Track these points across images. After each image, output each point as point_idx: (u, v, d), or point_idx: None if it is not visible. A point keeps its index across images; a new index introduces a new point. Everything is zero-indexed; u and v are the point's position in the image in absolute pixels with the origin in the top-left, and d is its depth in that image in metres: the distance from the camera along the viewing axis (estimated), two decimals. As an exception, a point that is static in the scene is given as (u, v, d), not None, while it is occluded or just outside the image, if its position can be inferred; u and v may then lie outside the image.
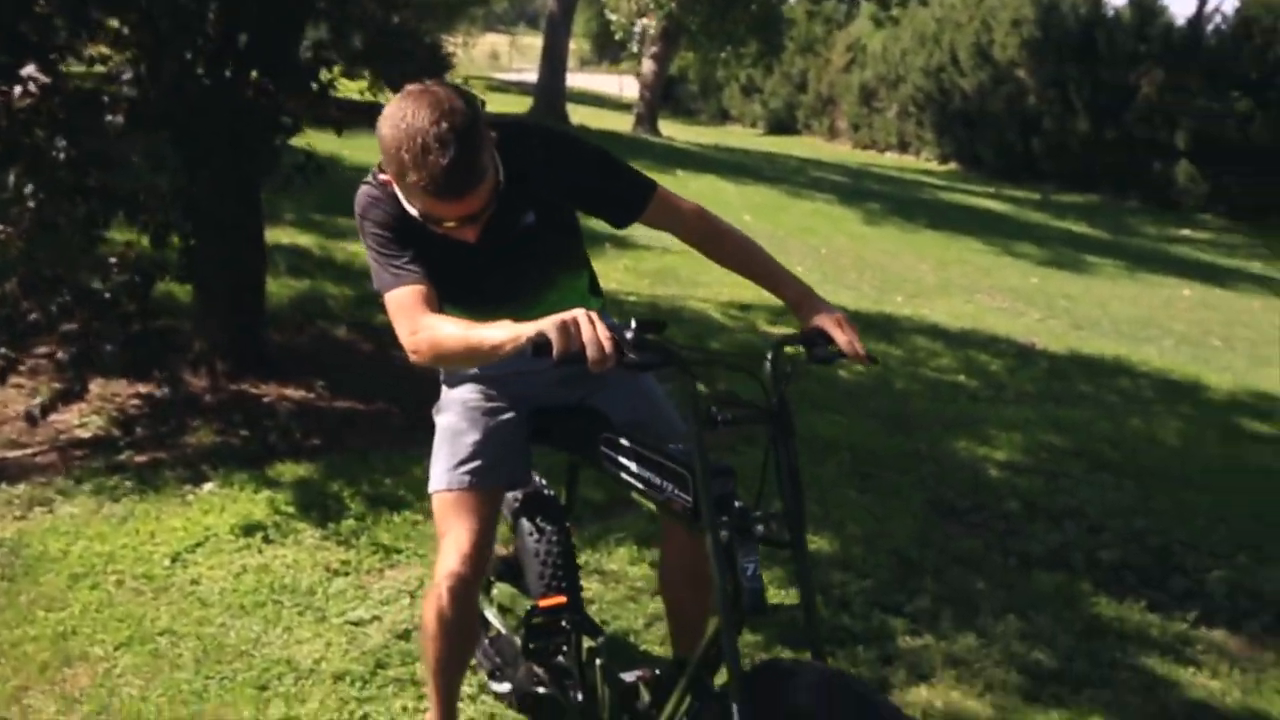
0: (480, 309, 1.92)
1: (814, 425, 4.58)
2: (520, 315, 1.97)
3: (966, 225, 12.93)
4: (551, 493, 2.36)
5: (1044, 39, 19.46)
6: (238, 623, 2.67)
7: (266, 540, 3.09)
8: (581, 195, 2.01)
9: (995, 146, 19.90)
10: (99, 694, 2.36)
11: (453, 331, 1.79)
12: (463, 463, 2.05)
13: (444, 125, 1.68)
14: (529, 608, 2.20)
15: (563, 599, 2.19)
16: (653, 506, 1.91)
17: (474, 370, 2.12)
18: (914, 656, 2.80)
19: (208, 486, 3.42)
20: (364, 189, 1.96)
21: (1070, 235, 13.60)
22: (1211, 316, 9.22)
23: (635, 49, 21.76)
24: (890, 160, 22.12)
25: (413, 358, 1.85)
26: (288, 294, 5.73)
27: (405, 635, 2.65)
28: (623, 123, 19.83)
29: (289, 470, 3.57)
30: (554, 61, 17.57)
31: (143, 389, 4.22)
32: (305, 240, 7.06)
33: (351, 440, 3.97)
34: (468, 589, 1.99)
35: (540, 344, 1.62)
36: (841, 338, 1.85)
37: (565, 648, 2.16)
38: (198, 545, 3.04)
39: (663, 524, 2.22)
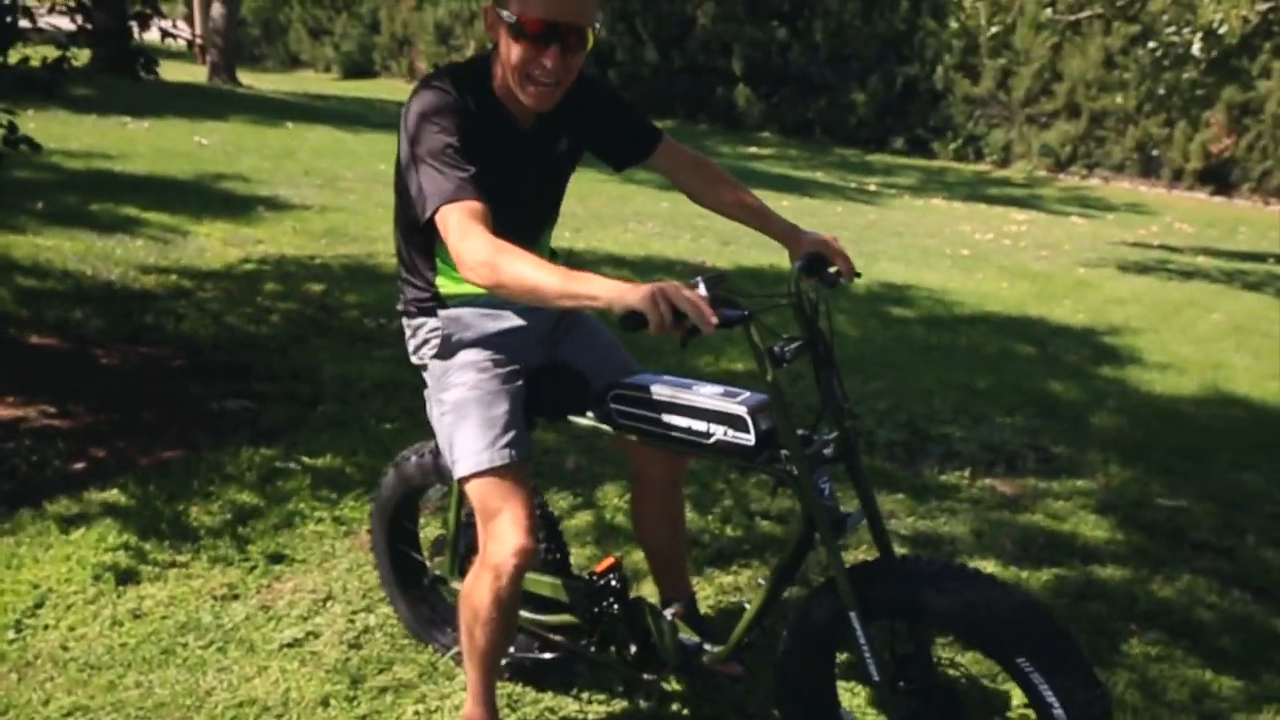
0: (500, 233, 1.87)
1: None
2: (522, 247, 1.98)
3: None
4: None
5: (606, -26, 20.48)
6: (155, 677, 2.33)
7: (121, 582, 2.68)
8: (602, 132, 2.08)
9: (576, 79, 20.75)
10: (46, 797, 1.98)
11: (544, 277, 1.71)
12: (498, 437, 1.98)
13: None
14: (587, 575, 2.20)
15: (613, 559, 2.23)
16: (675, 451, 1.98)
17: (465, 336, 2.05)
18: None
19: (-9, 540, 2.86)
20: (430, 88, 1.88)
21: (670, 160, 14.69)
22: (813, 223, 10.42)
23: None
24: (475, 98, 22.24)
25: (469, 275, 1.76)
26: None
27: (357, 643, 2.48)
28: (188, 73, 17.99)
29: (88, 501, 3.08)
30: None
31: None
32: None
33: (123, 456, 3.48)
34: (528, 563, 1.96)
35: (635, 319, 1.63)
36: (841, 261, 2.04)
37: (617, 604, 2.19)
38: (37, 607, 2.57)
39: (637, 472, 2.28)
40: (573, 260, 7.35)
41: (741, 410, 1.88)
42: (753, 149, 18.00)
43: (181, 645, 2.45)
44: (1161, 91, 10.35)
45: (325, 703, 2.26)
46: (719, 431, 1.91)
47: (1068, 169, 17.78)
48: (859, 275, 2.11)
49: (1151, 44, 10.05)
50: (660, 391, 1.97)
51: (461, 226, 1.77)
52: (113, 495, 3.13)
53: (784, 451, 1.86)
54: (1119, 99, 16.21)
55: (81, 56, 3.87)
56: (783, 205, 11.53)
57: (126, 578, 2.71)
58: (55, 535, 2.89)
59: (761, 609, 2.03)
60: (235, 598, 2.66)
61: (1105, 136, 17.52)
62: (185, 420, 3.85)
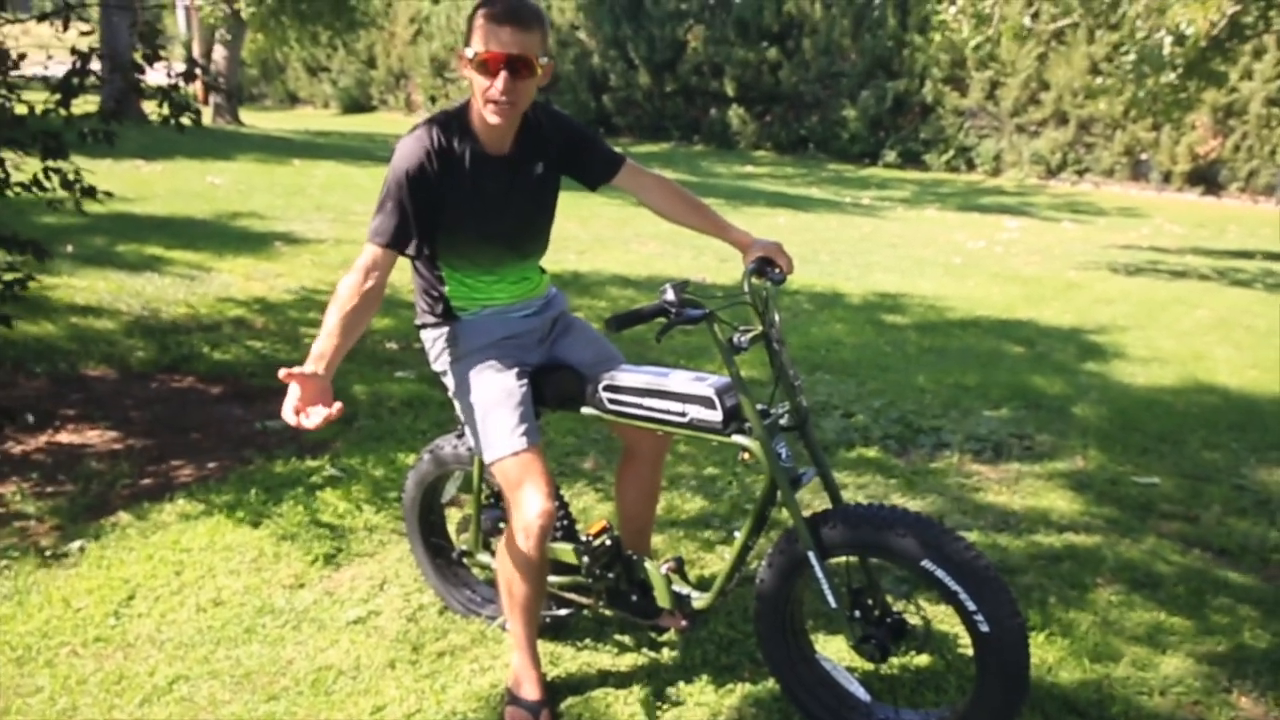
0: (488, 248, 2.35)
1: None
2: (516, 264, 2.42)
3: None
4: None
5: (598, 1, 20.99)
6: (241, 651, 2.66)
7: (201, 578, 3.02)
8: (572, 156, 2.43)
9: (571, 106, 21.21)
10: (163, 748, 2.31)
11: (328, 322, 2.13)
12: (515, 427, 2.33)
13: None
14: (583, 539, 2.52)
15: (604, 523, 2.55)
16: (657, 429, 2.32)
17: (477, 342, 2.42)
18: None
19: (78, 544, 3.20)
20: (412, 137, 2.24)
21: (668, 182, 15.06)
22: (811, 237, 10.92)
23: (185, 35, 20.19)
24: (474, 128, 22.71)
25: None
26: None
27: (414, 618, 2.82)
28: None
29: (160, 510, 3.42)
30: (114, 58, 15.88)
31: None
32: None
33: (184, 471, 3.82)
34: (551, 524, 2.29)
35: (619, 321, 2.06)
36: (783, 260, 2.38)
37: (615, 561, 2.52)
38: (129, 599, 2.91)
39: (627, 446, 2.62)
40: (579, 281, 7.72)
41: (709, 391, 2.21)
42: (748, 168, 18.41)
43: (261, 625, 2.79)
44: (1143, 95, 10.65)
45: (392, 665, 2.59)
46: (692, 411, 2.24)
47: (1058, 175, 18.16)
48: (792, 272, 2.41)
49: (1124, 48, 10.39)
50: (641, 380, 2.31)
51: (361, 255, 2.19)
52: (180, 505, 3.47)
53: (746, 424, 2.19)
54: (1103, 105, 16.63)
55: (91, 103, 4.29)
56: (779, 222, 11.90)
57: (204, 575, 3.04)
58: (136, 539, 3.23)
59: (738, 559, 2.36)
60: (302, 586, 2.99)
61: (1094, 142, 17.90)
62: (234, 440, 4.20)
